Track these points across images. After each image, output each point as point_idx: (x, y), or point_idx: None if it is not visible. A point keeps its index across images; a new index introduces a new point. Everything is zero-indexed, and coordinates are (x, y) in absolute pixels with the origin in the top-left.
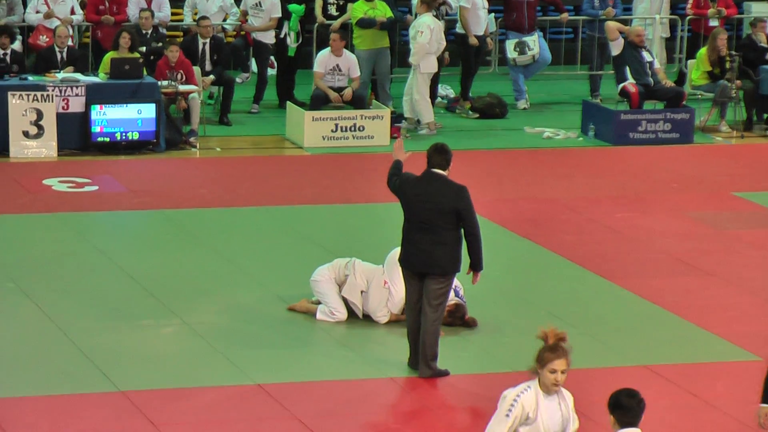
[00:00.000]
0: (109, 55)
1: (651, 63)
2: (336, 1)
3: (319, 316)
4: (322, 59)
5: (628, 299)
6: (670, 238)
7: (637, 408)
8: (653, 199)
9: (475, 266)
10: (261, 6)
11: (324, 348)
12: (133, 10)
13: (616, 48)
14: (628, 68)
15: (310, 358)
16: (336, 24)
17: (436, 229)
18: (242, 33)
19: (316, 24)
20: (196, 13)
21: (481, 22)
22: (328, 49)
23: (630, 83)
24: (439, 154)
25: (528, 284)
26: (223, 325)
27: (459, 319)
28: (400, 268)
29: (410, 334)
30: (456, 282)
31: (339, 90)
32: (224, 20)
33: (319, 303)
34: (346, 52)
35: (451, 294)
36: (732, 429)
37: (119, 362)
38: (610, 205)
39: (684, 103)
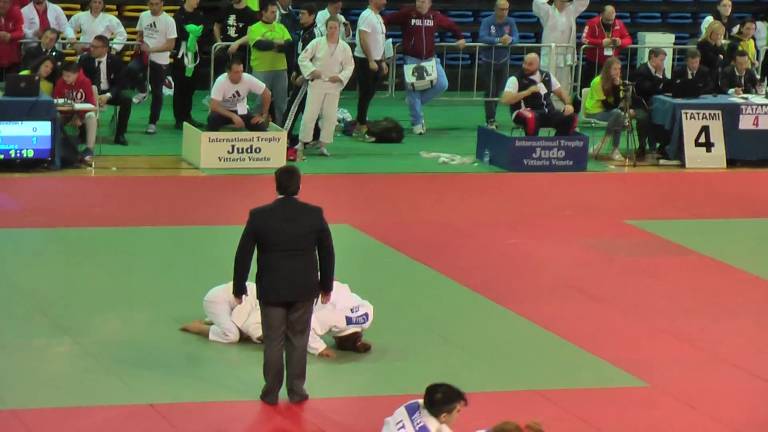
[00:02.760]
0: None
1: (546, 94)
2: (235, 24)
3: (212, 337)
4: (220, 87)
5: (520, 324)
6: (563, 264)
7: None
8: (547, 225)
9: (329, 287)
10: (155, 27)
11: (216, 369)
12: (27, 28)
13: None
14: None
15: (203, 378)
16: (234, 46)
17: (303, 254)
18: (139, 53)
19: (215, 45)
20: (79, 31)
21: (380, 46)
22: (225, 75)
23: (525, 109)
24: (292, 179)
25: (419, 307)
26: (116, 344)
27: (352, 345)
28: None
29: (273, 365)
30: (366, 308)
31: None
32: (111, 40)
33: (212, 324)
34: (244, 75)
35: (344, 323)
36: None
37: (9, 381)
38: (504, 230)
39: (575, 128)
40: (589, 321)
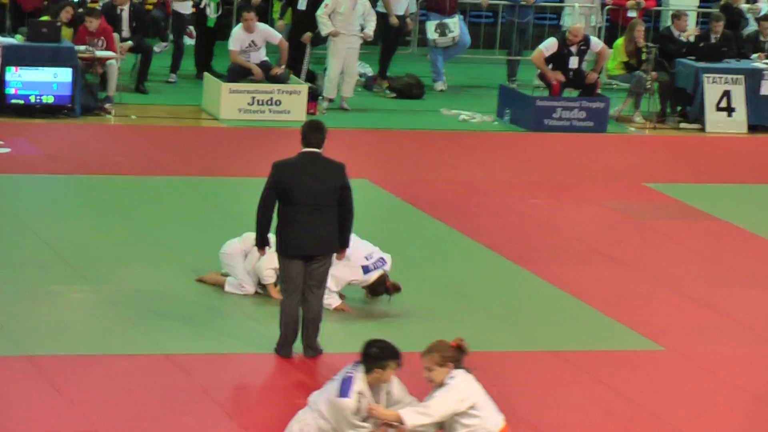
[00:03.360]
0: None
1: (577, 69)
2: None
3: (227, 288)
4: (237, 37)
5: (539, 285)
6: (583, 226)
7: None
8: (567, 186)
9: (346, 244)
10: None
11: (232, 321)
12: None
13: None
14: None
15: (219, 330)
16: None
17: (323, 209)
18: (161, 2)
19: None
20: None
21: (402, 2)
22: (241, 25)
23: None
24: (317, 133)
25: (439, 267)
26: (134, 294)
27: (383, 288)
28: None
29: (291, 319)
30: (380, 253)
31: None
32: None
33: (228, 275)
34: (259, 25)
35: (361, 273)
36: (637, 416)
37: (27, 327)
38: (525, 190)
39: (598, 91)
40: (608, 284)
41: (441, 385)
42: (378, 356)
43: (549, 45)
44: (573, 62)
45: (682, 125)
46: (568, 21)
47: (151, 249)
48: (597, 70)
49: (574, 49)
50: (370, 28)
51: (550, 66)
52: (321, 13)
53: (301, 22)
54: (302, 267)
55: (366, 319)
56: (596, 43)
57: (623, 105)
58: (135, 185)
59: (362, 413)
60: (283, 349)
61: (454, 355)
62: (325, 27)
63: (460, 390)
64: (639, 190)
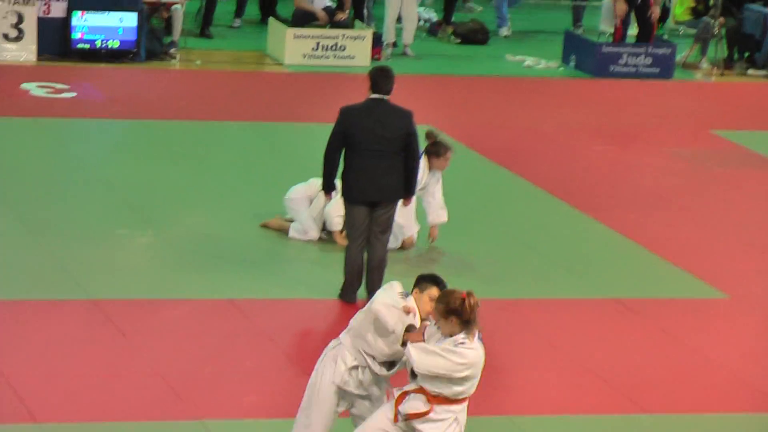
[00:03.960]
0: None
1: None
2: None
3: (291, 233)
4: None
5: (603, 232)
6: (649, 173)
7: None
8: (632, 133)
9: (413, 191)
10: None
11: (296, 266)
12: None
13: None
14: None
15: (282, 275)
16: None
17: (389, 156)
18: None
19: None
20: None
21: None
22: None
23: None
24: (387, 79)
25: (502, 214)
26: (197, 238)
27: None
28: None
29: (355, 264)
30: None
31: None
32: None
33: (292, 221)
34: None
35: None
36: (699, 366)
37: (92, 271)
38: (590, 137)
39: (653, 37)
40: (672, 231)
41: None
42: (420, 278)
43: None
44: None
45: (750, 72)
46: None
47: (215, 194)
48: (658, 2)
49: None
50: None
51: None
52: None
53: None
54: (367, 213)
55: (428, 265)
56: None
57: (690, 51)
58: (199, 130)
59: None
60: (347, 294)
61: (459, 308)
62: None
63: (467, 357)
64: (705, 137)
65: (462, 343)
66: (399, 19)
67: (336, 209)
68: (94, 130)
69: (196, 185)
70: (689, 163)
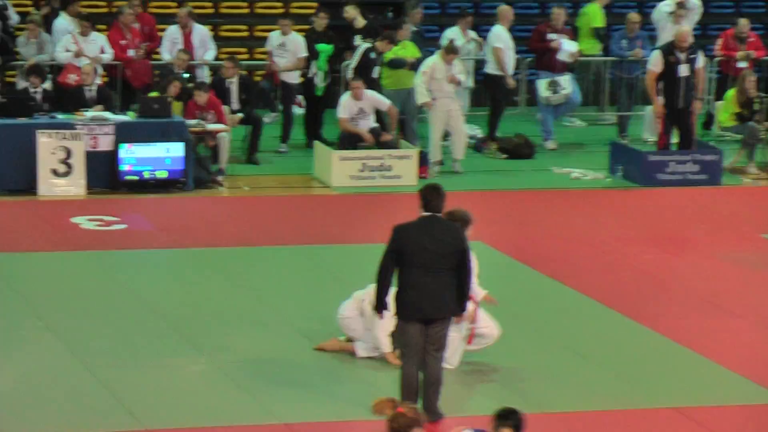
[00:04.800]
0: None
1: (687, 78)
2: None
3: (360, 353)
4: (345, 105)
5: (656, 340)
6: (699, 279)
7: None
8: (682, 239)
9: (464, 307)
10: (285, 46)
11: (350, 386)
12: (168, 51)
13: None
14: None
15: (337, 396)
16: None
17: (444, 273)
18: (269, 73)
19: (344, 63)
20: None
21: (512, 62)
22: (349, 93)
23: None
24: (438, 197)
25: (554, 324)
26: (250, 363)
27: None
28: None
29: (412, 383)
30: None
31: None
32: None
33: (350, 341)
34: (367, 92)
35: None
36: None
37: (145, 400)
38: (639, 245)
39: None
40: (726, 336)
41: None
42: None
43: (654, 60)
44: (683, 70)
45: None
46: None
47: (266, 318)
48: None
49: (682, 56)
50: (458, 71)
51: (660, 86)
52: (420, 82)
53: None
54: (421, 330)
55: (485, 380)
56: (699, 61)
57: (737, 156)
58: (248, 256)
59: None
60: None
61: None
62: (421, 96)
63: None
64: (756, 240)
65: None
66: (444, 137)
67: (383, 329)
68: (144, 260)
69: (246, 310)
70: (741, 268)
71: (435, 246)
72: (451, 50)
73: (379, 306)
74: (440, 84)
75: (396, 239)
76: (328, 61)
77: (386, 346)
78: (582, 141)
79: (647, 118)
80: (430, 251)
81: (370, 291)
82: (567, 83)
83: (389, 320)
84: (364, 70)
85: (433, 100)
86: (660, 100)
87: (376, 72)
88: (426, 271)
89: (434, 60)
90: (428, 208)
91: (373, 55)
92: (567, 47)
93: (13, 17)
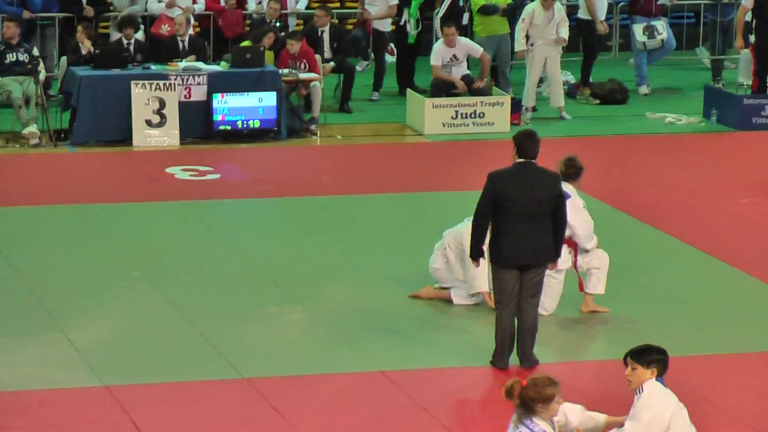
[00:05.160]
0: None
1: None
2: None
3: (456, 301)
4: (438, 52)
5: (755, 286)
6: None
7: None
8: None
9: (559, 253)
10: None
11: (446, 334)
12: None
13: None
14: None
15: (433, 344)
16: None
17: (540, 219)
18: (361, 21)
19: (436, 11)
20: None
21: (604, 7)
22: (441, 40)
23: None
24: (533, 143)
25: (652, 271)
26: (346, 312)
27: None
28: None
29: (507, 330)
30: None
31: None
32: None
33: (444, 288)
34: (460, 39)
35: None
36: None
37: (243, 350)
38: (736, 190)
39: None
40: None
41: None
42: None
43: (745, 2)
44: None
45: None
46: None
47: (362, 267)
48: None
49: None
50: (565, 33)
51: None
52: (519, 28)
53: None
54: (517, 277)
55: (581, 327)
56: None
57: None
58: (342, 205)
59: None
60: (499, 361)
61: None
62: (518, 44)
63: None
64: None
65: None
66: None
67: (479, 271)
68: (239, 210)
69: (342, 259)
70: None
71: (531, 192)
72: None
73: (475, 253)
74: (540, 30)
75: (491, 186)
76: (419, 8)
77: (483, 284)
78: (677, 86)
79: (742, 61)
80: (526, 198)
81: (448, 238)
82: (663, 28)
83: (484, 263)
84: (453, 17)
85: (531, 45)
86: (751, 39)
87: (465, 19)
88: (522, 218)
89: (533, 6)
90: (523, 155)
91: (461, 2)
92: None
93: None
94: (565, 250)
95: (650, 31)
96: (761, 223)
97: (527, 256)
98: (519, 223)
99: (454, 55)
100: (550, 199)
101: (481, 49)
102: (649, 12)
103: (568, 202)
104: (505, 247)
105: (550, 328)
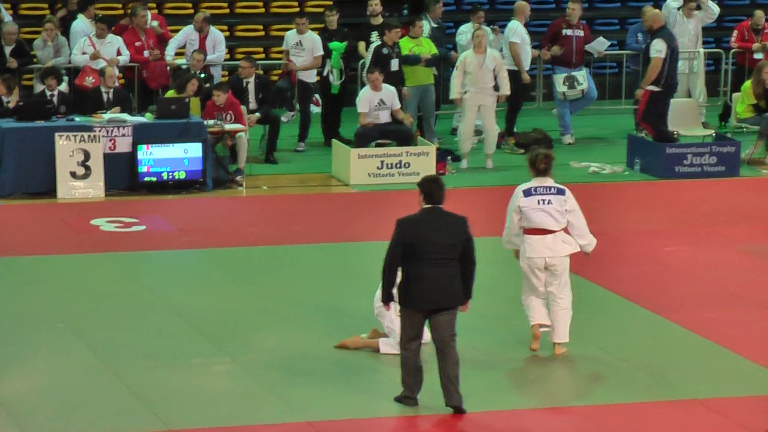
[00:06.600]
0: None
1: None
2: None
3: (383, 349)
4: (365, 98)
5: (679, 333)
6: (721, 271)
7: None
8: (702, 232)
9: (470, 295)
10: (302, 45)
11: (374, 384)
12: (170, 50)
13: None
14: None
15: (360, 392)
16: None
17: (449, 263)
18: (286, 72)
19: (360, 62)
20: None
21: (528, 57)
22: (367, 86)
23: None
24: (439, 189)
25: (577, 319)
26: (274, 361)
27: None
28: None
29: (412, 369)
30: None
31: (386, 123)
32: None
33: (373, 337)
34: (385, 86)
35: None
36: None
37: (170, 401)
38: (660, 238)
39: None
40: (750, 328)
41: None
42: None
43: (660, 47)
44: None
45: None
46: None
47: (289, 316)
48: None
49: None
50: (505, 88)
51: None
52: (453, 76)
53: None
54: (423, 321)
55: (499, 370)
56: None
57: (754, 148)
58: (269, 255)
59: None
60: (407, 398)
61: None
62: (453, 89)
63: None
64: None
65: None
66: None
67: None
68: (164, 261)
69: (269, 309)
70: (763, 259)
71: (441, 237)
72: (481, 44)
73: (386, 297)
74: (472, 78)
75: (401, 232)
76: (342, 59)
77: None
78: (601, 135)
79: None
80: (435, 243)
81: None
82: (583, 78)
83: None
84: (380, 65)
85: (464, 93)
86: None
87: (394, 65)
88: (432, 262)
89: (467, 54)
90: (430, 200)
91: (385, 51)
92: (597, 45)
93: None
94: (568, 237)
95: (570, 82)
96: (686, 270)
97: (438, 299)
98: (429, 267)
99: (381, 100)
100: (459, 243)
101: (399, 105)
102: (570, 63)
103: (569, 201)
104: (415, 291)
105: (476, 372)
